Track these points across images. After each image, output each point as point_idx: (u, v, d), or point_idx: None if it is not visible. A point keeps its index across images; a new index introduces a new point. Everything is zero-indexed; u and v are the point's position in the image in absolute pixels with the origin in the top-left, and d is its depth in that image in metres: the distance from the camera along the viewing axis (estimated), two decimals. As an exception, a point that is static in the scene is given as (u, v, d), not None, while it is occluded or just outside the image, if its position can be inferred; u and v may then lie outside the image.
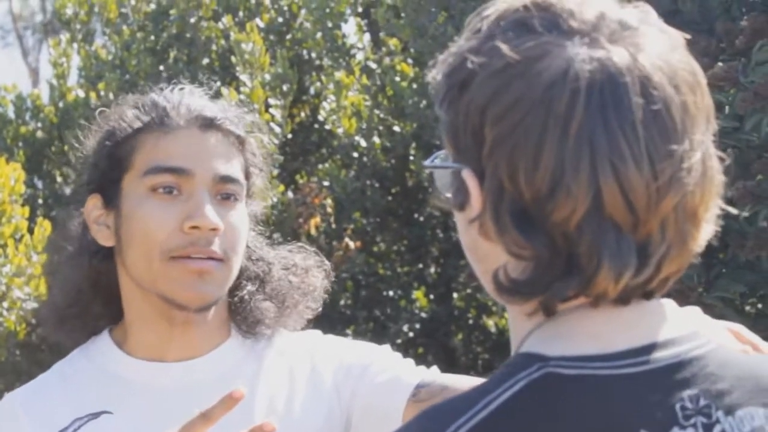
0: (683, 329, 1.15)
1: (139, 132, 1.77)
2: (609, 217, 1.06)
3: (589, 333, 1.10)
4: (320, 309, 1.95)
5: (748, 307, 4.25)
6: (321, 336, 1.92)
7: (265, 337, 1.86)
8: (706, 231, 1.12)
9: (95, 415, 1.77)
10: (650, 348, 1.11)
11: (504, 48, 1.08)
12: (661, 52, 1.09)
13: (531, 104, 1.06)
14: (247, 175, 1.81)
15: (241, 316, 1.84)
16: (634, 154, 1.05)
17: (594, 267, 1.06)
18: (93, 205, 1.79)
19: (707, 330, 1.19)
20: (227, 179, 1.75)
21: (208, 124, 1.77)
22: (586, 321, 1.11)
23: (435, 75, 1.17)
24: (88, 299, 1.81)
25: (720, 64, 3.74)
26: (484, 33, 1.12)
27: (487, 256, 1.14)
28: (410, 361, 1.87)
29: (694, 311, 1.28)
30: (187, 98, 1.80)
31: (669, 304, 1.16)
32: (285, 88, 6.12)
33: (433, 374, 1.84)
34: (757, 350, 1.25)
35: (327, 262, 1.96)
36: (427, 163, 1.22)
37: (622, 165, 1.05)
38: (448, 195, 1.16)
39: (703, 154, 1.10)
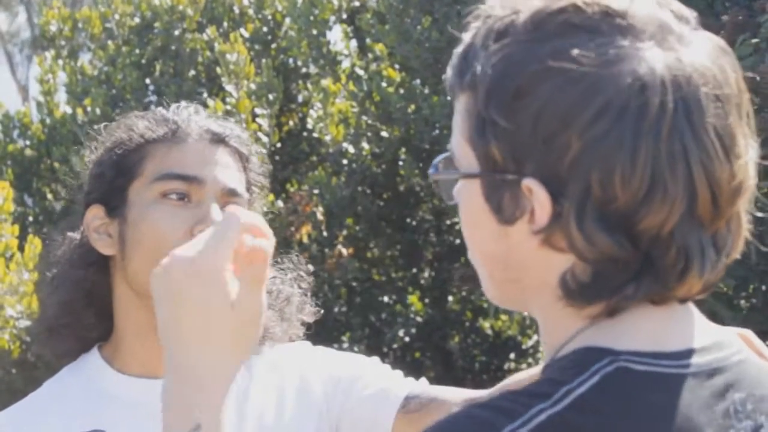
0: (720, 335, 1.17)
1: (150, 142, 1.78)
2: (698, 218, 1.08)
3: (649, 331, 1.11)
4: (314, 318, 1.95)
5: (742, 302, 4.25)
6: (310, 348, 1.92)
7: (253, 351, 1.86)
8: (747, 224, 1.15)
9: None
10: (703, 349, 1.12)
11: (578, 53, 1.07)
12: (709, 51, 1.11)
13: (622, 109, 1.06)
14: (248, 192, 1.84)
15: None
16: (718, 154, 1.07)
17: (681, 268, 1.08)
18: (94, 215, 1.80)
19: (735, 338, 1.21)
20: (233, 192, 1.78)
21: (217, 139, 1.81)
22: (644, 320, 1.11)
23: (458, 78, 1.14)
24: (81, 309, 1.81)
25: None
26: (530, 35, 1.10)
27: (525, 263, 1.13)
28: (399, 373, 1.87)
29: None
30: (195, 115, 1.84)
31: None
32: (271, 97, 6.11)
33: (422, 385, 1.84)
34: (763, 358, 1.26)
35: (311, 268, 1.96)
36: (435, 171, 1.19)
37: (710, 164, 1.07)
38: (486, 207, 1.13)
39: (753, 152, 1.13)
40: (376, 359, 1.90)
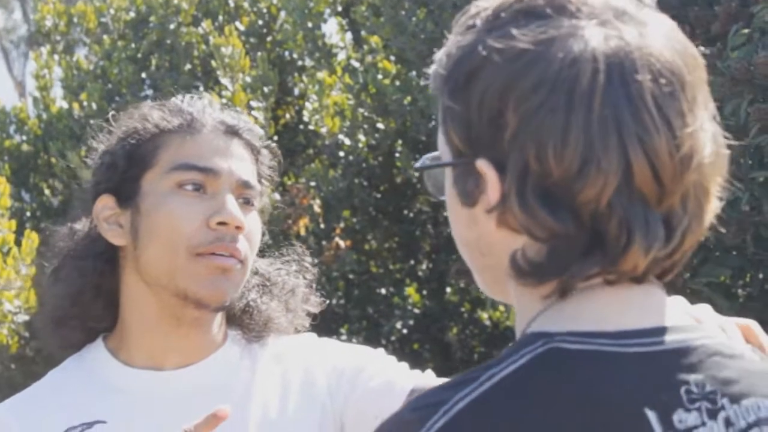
0: (684, 318, 1.16)
1: (165, 132, 1.78)
2: (638, 191, 1.07)
3: (598, 312, 1.11)
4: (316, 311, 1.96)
5: (740, 290, 4.25)
6: (315, 339, 1.92)
7: (259, 342, 1.86)
8: (714, 206, 1.14)
9: (89, 425, 1.77)
10: (659, 330, 1.11)
11: (518, 33, 1.10)
12: (665, 32, 1.12)
13: (554, 83, 1.07)
14: (260, 184, 1.85)
15: (251, 321, 1.85)
16: (657, 127, 1.07)
17: (624, 242, 1.07)
18: (104, 205, 1.80)
19: (717, 325, 1.20)
20: (248, 185, 1.79)
21: (231, 130, 1.82)
22: (595, 300, 1.11)
23: (435, 70, 1.17)
24: (89, 301, 1.80)
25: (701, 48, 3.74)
26: (488, 24, 1.13)
27: (493, 247, 1.14)
28: (404, 365, 1.87)
29: (704, 308, 1.28)
30: (209, 106, 1.85)
31: (680, 300, 1.17)
32: (267, 90, 6.11)
33: (428, 378, 1.84)
34: (762, 350, 1.25)
35: (312, 260, 1.97)
36: (420, 164, 1.22)
37: (648, 137, 1.07)
38: (455, 193, 1.16)
39: (713, 131, 1.12)
40: (381, 351, 1.90)
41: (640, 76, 1.07)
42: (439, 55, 1.17)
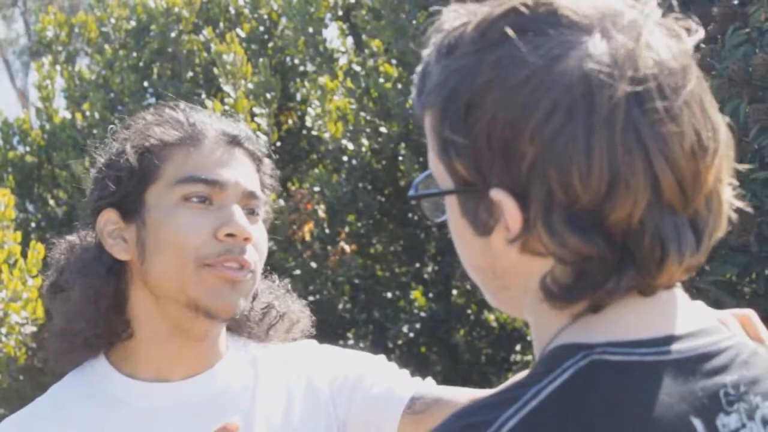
0: (708, 320, 1.15)
1: (167, 145, 1.78)
2: (667, 204, 1.06)
3: (632, 321, 1.10)
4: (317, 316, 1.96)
5: (746, 288, 4.25)
6: (317, 346, 1.92)
7: (261, 350, 1.87)
8: (729, 194, 1.13)
9: None
10: (689, 335, 1.11)
11: (517, 55, 1.06)
12: (665, 35, 1.09)
13: (569, 107, 1.04)
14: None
15: (256, 327, 1.85)
16: (675, 136, 1.06)
17: (659, 256, 1.06)
18: (106, 220, 1.79)
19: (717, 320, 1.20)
20: (253, 195, 1.79)
21: (233, 141, 1.81)
22: (624, 310, 1.10)
23: (424, 98, 1.13)
24: (94, 315, 1.80)
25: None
26: (475, 45, 1.09)
27: (510, 271, 1.12)
28: (405, 372, 1.87)
29: (699, 305, 1.28)
30: (208, 117, 1.84)
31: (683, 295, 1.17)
32: (269, 96, 6.12)
33: (429, 386, 1.84)
34: (759, 340, 1.25)
35: (314, 266, 1.98)
36: (417, 192, 1.18)
37: (668, 149, 1.05)
38: (465, 223, 1.12)
39: (723, 126, 1.11)
40: (382, 357, 1.90)
41: (651, 86, 1.05)
42: (429, 82, 1.12)
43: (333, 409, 1.83)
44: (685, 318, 1.13)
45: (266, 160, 1.88)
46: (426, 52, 1.15)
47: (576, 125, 1.04)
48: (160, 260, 1.74)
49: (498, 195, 1.07)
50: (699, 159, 1.08)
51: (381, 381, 1.83)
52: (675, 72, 1.08)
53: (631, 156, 1.04)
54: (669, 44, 1.09)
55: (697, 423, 1.07)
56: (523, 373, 1.20)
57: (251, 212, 1.79)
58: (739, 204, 1.15)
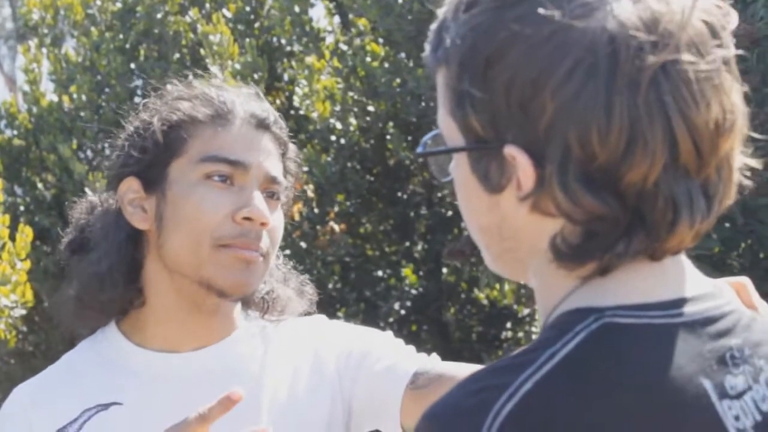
0: (710, 285, 1.17)
1: (196, 121, 1.78)
2: (683, 167, 1.06)
3: (641, 284, 1.11)
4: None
5: (734, 262, 4.25)
6: (326, 322, 1.93)
7: (271, 324, 1.88)
8: (739, 162, 1.13)
9: (105, 406, 1.78)
10: (695, 299, 1.12)
11: (541, 11, 1.05)
12: (693, 3, 1.08)
13: (592, 65, 1.04)
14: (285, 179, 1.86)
15: (270, 306, 1.86)
16: (696, 99, 1.06)
17: (670, 219, 1.07)
18: (128, 188, 1.80)
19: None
20: (275, 179, 1.80)
21: (261, 124, 1.82)
22: (633, 273, 1.11)
23: (444, 51, 1.13)
24: (116, 282, 1.80)
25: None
26: (498, 1, 1.08)
27: (519, 231, 1.12)
28: (411, 348, 1.88)
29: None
30: (239, 96, 1.84)
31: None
32: (256, 76, 6.10)
33: (433, 361, 1.85)
34: (752, 307, 1.25)
35: (303, 246, 2.00)
36: (425, 149, 1.18)
37: (689, 111, 1.05)
38: (474, 180, 1.12)
39: (739, 94, 1.11)
40: (389, 333, 1.91)
41: (675, 48, 1.05)
42: (447, 38, 1.11)
43: (338, 384, 1.84)
44: (690, 282, 1.14)
45: (292, 146, 1.88)
46: (442, 10, 1.14)
47: (598, 83, 1.04)
48: (176, 236, 1.75)
49: (512, 151, 1.07)
50: (719, 125, 1.08)
51: (385, 357, 1.84)
52: (703, 37, 1.07)
53: (652, 116, 1.04)
54: (698, 9, 1.08)
55: (707, 384, 1.08)
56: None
57: (271, 196, 1.79)
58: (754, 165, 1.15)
